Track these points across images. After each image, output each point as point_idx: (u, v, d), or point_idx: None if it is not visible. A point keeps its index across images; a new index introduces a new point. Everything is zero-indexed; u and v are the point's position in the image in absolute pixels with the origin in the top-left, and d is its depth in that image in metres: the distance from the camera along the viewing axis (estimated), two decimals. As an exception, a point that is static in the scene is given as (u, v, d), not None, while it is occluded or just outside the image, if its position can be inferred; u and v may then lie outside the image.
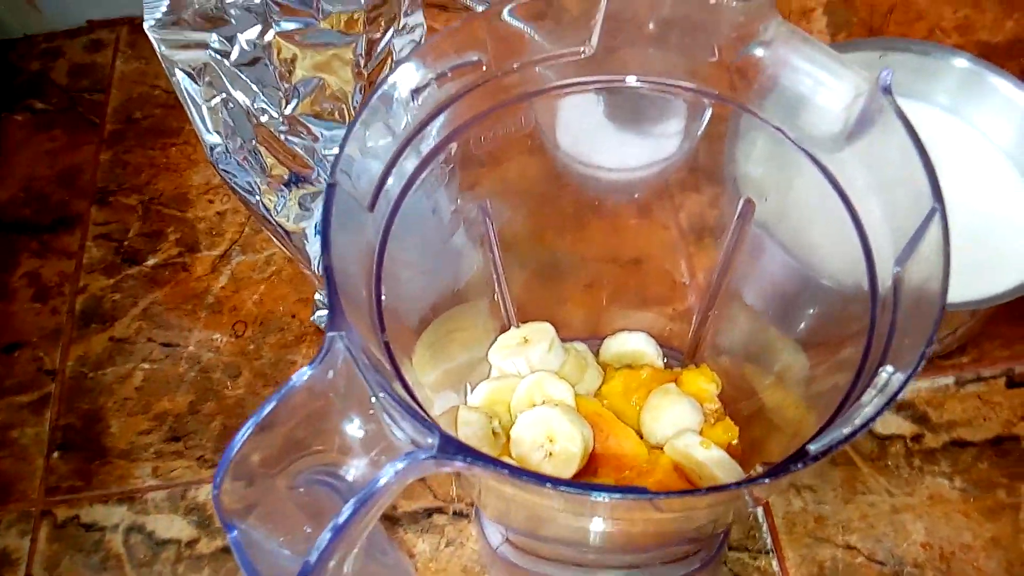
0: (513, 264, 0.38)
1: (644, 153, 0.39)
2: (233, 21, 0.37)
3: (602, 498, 0.18)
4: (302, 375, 0.20)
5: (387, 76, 0.25)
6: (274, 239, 0.43)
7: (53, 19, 0.61)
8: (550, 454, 0.31)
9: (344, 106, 0.41)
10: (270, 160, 0.40)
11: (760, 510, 0.41)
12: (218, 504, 0.21)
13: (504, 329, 0.38)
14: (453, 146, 0.28)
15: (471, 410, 0.33)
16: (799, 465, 0.18)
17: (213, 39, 0.38)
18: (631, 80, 0.29)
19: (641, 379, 0.35)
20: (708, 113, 0.33)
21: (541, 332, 0.36)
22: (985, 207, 0.41)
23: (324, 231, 0.22)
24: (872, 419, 0.19)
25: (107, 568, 0.42)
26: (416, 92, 0.26)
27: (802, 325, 0.34)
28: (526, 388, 0.33)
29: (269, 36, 0.38)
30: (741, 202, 0.32)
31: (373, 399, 0.21)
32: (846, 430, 0.18)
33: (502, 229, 0.36)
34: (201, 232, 0.52)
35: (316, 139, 0.41)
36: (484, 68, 0.27)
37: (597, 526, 0.25)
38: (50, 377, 0.48)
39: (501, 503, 0.28)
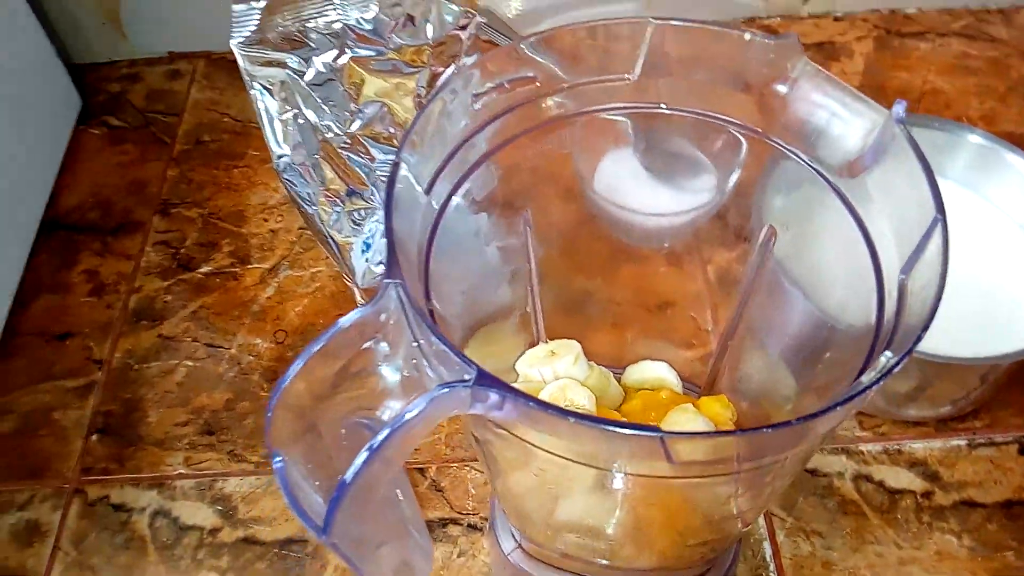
0: (544, 291, 0.41)
1: (675, 203, 0.42)
2: (312, 44, 0.41)
3: (617, 431, 0.19)
4: (355, 314, 0.22)
5: (453, 77, 0.28)
6: (324, 249, 0.46)
7: (138, 47, 0.66)
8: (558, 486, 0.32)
9: (402, 132, 0.44)
10: (330, 174, 0.44)
11: (769, 549, 0.42)
12: (268, 429, 0.23)
13: (532, 345, 0.40)
14: (502, 153, 0.31)
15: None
16: (797, 421, 0.20)
17: (292, 59, 0.42)
18: (666, 109, 0.32)
19: (660, 400, 0.37)
20: (743, 152, 0.36)
21: (568, 347, 0.38)
22: (997, 274, 0.43)
23: (387, 198, 0.24)
24: (873, 384, 0.20)
25: (130, 547, 0.44)
26: (476, 97, 0.28)
27: (815, 370, 0.36)
28: (550, 392, 0.35)
29: (343, 60, 0.41)
30: (764, 230, 0.34)
31: (416, 344, 0.23)
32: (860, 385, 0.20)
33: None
34: (253, 246, 0.55)
35: (373, 160, 0.44)
36: (537, 84, 0.30)
37: (611, 502, 0.26)
38: (97, 366, 0.50)
39: (516, 475, 0.29)
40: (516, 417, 0.21)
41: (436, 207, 0.29)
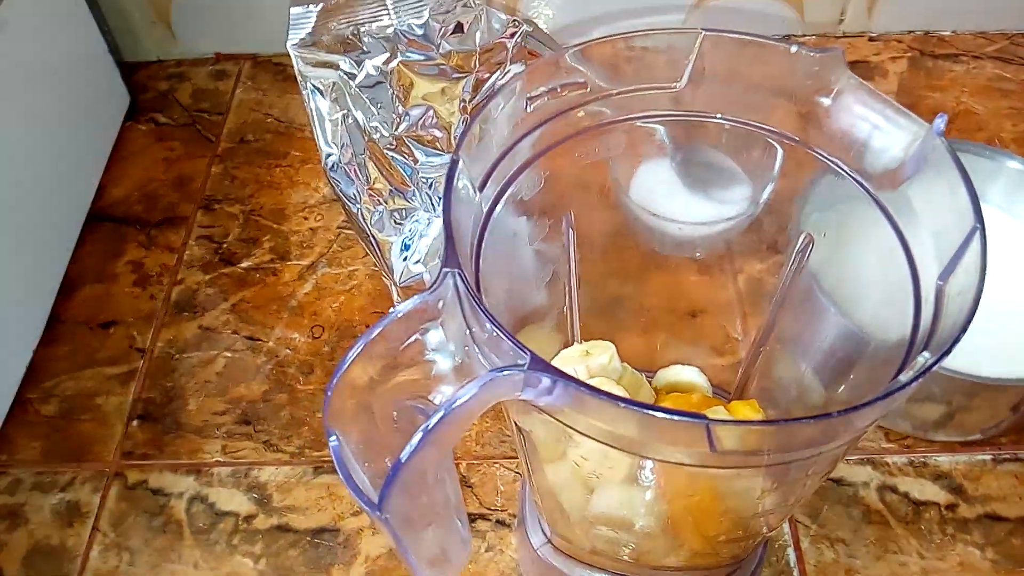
0: (579, 294, 0.42)
1: (709, 213, 0.43)
2: (365, 47, 0.43)
3: (664, 416, 0.20)
4: (412, 300, 0.24)
5: (509, 81, 0.29)
6: (365, 247, 0.48)
7: (185, 48, 0.68)
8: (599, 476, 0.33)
9: (446, 136, 0.45)
10: (374, 174, 0.45)
11: (793, 556, 0.42)
12: (326, 409, 0.24)
13: (567, 346, 0.41)
14: (548, 157, 0.32)
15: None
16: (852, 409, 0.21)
17: (344, 62, 0.43)
18: (720, 118, 0.33)
19: (692, 402, 0.38)
20: (778, 165, 0.37)
21: (602, 347, 0.39)
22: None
23: (446, 191, 0.25)
24: (911, 382, 0.21)
25: (167, 531, 0.45)
26: (531, 100, 0.30)
27: (845, 381, 0.36)
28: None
29: (393, 63, 0.43)
30: (802, 237, 0.35)
31: (469, 332, 0.24)
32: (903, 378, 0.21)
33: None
34: (293, 244, 0.56)
35: (416, 161, 0.45)
36: (587, 90, 0.31)
37: (645, 495, 0.27)
38: (139, 354, 0.52)
39: (554, 467, 0.30)
40: (565, 402, 0.22)
41: (486, 207, 0.30)
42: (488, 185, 0.29)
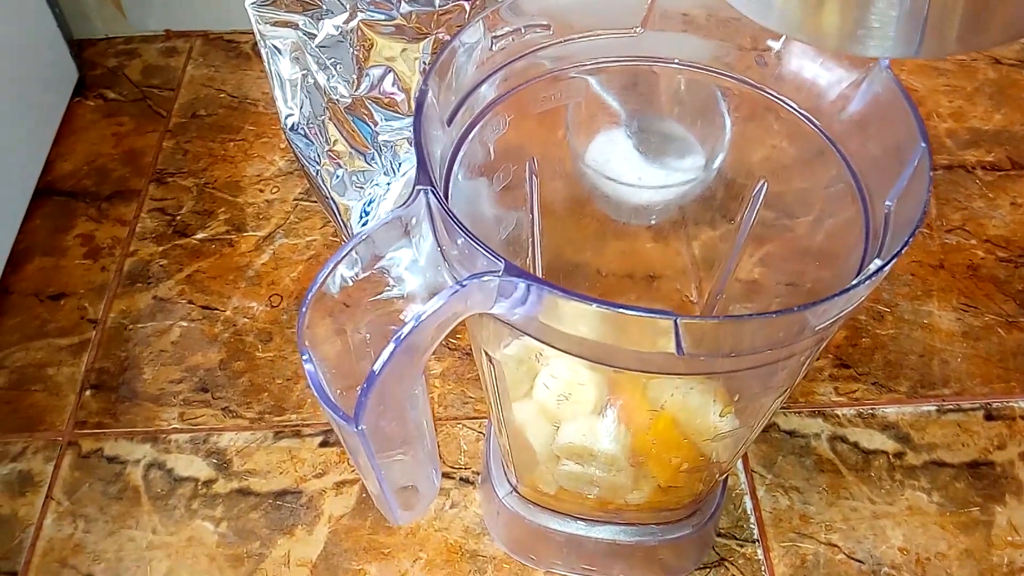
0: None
1: (664, 178, 0.44)
2: (324, 6, 0.43)
3: (635, 314, 0.21)
4: (384, 217, 0.24)
5: (476, 21, 0.29)
6: (325, 210, 0.47)
7: (135, 25, 0.67)
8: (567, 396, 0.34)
9: (406, 98, 0.46)
10: (334, 135, 0.45)
11: (749, 504, 0.43)
12: (301, 328, 0.24)
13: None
14: (513, 98, 0.33)
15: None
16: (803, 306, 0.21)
17: (303, 21, 0.43)
18: (673, 63, 0.34)
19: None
20: (728, 134, 0.38)
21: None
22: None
23: (416, 114, 0.26)
24: (862, 283, 0.22)
25: (124, 498, 0.44)
26: (496, 39, 0.30)
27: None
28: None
29: (354, 23, 0.43)
30: (758, 184, 0.36)
31: (441, 251, 0.24)
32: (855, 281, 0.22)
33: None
34: (249, 215, 0.56)
35: (376, 124, 0.46)
36: (551, 31, 0.32)
37: (610, 422, 0.27)
38: (92, 325, 0.51)
39: (520, 404, 0.31)
40: (539, 310, 0.23)
41: (454, 141, 0.30)
42: (455, 121, 0.30)
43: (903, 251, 0.23)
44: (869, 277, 0.23)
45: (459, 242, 0.24)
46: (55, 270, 0.53)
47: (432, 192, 0.24)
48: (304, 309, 0.24)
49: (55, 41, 0.61)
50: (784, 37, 0.32)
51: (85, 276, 0.53)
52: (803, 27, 0.21)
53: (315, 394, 0.24)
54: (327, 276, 0.25)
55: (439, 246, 0.25)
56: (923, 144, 0.25)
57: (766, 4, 0.21)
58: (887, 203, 0.27)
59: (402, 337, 0.23)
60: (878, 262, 0.23)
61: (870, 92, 0.29)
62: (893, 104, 0.27)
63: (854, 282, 0.22)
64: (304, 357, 0.24)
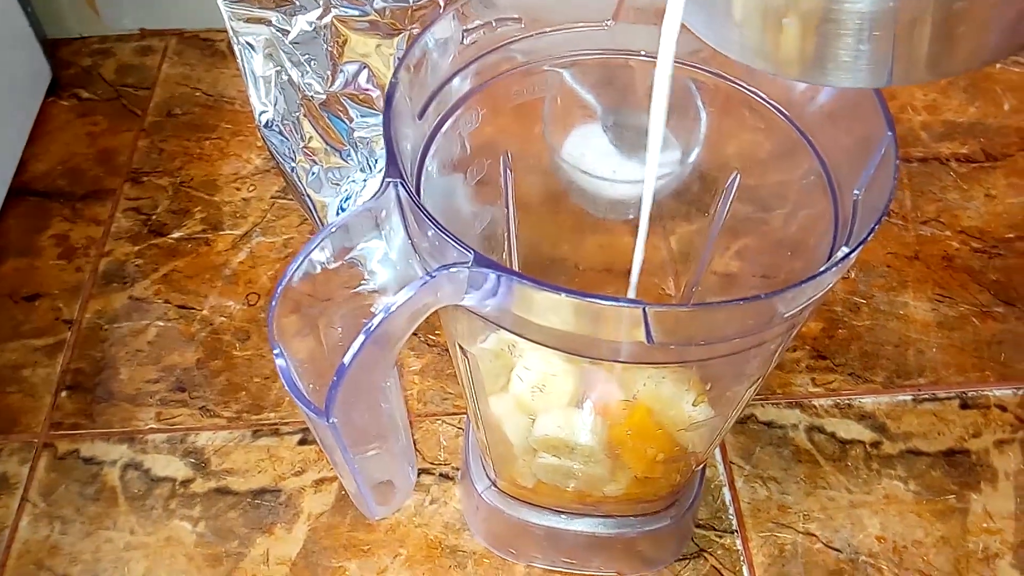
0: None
1: (639, 171, 0.44)
2: (297, 2, 0.42)
3: (603, 303, 0.21)
4: (354, 209, 0.24)
5: (446, 13, 0.29)
6: (301, 207, 0.47)
7: (110, 24, 0.66)
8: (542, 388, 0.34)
9: (381, 94, 0.46)
10: (309, 132, 0.45)
11: (728, 495, 0.44)
12: (271, 322, 0.24)
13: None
14: (486, 92, 0.33)
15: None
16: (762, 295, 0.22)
17: (276, 17, 0.43)
18: (640, 55, 0.34)
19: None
20: (703, 128, 0.38)
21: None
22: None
23: (387, 107, 0.26)
24: (829, 269, 0.23)
25: (100, 499, 0.44)
26: (467, 32, 0.30)
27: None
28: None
29: (327, 19, 0.43)
30: (731, 176, 0.36)
31: (412, 244, 0.24)
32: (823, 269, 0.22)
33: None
34: (226, 214, 0.55)
35: (351, 120, 0.45)
36: (522, 24, 0.32)
37: (585, 413, 0.27)
38: (67, 326, 0.50)
39: (497, 398, 0.31)
40: (510, 301, 0.23)
41: (426, 134, 0.30)
42: (428, 114, 0.30)
43: (868, 238, 0.23)
44: (836, 264, 0.23)
45: (429, 234, 0.24)
46: (29, 271, 0.53)
47: (402, 184, 0.24)
48: (274, 302, 0.24)
49: (28, 41, 0.60)
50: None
51: (60, 276, 0.53)
52: (764, 57, 0.21)
53: (287, 388, 0.24)
54: (298, 268, 0.24)
55: (410, 239, 0.25)
56: (889, 133, 0.26)
57: (724, 34, 0.21)
58: (855, 192, 0.27)
59: (372, 328, 0.23)
60: (845, 249, 0.23)
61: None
62: (860, 94, 0.28)
63: (821, 269, 0.22)
64: (275, 351, 0.24)
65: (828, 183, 0.29)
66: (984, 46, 0.20)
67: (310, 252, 0.24)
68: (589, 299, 0.21)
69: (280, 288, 0.24)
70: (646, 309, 0.21)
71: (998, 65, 0.63)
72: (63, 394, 0.47)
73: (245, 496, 0.44)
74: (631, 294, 0.34)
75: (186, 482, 0.44)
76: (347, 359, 0.23)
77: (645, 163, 0.45)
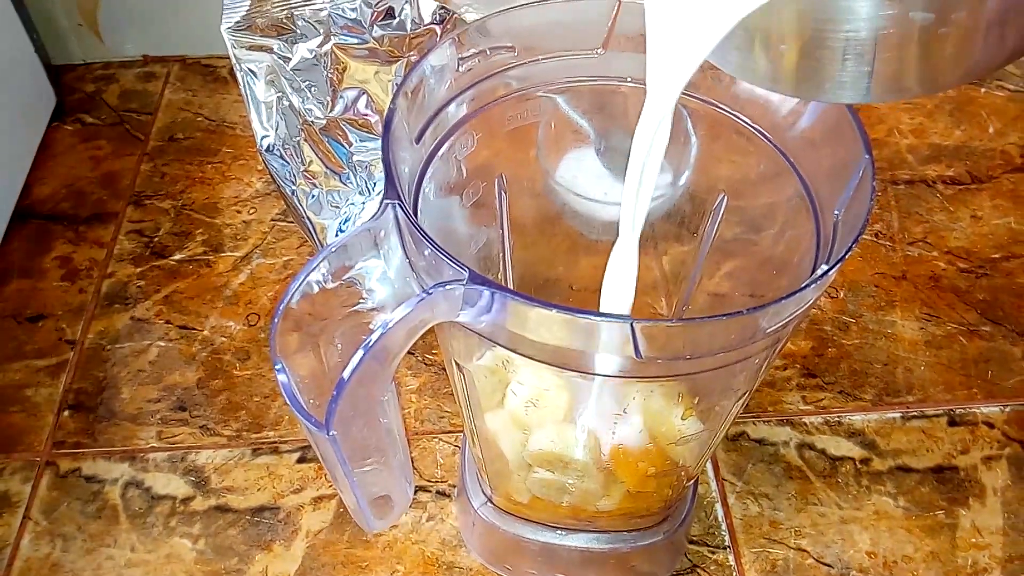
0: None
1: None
2: (298, 31, 0.44)
3: (592, 319, 0.22)
4: (353, 229, 0.25)
5: (443, 42, 0.30)
6: (301, 230, 0.48)
7: (113, 51, 0.68)
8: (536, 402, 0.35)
9: (379, 120, 0.47)
10: (310, 156, 0.46)
11: (720, 511, 0.44)
12: (273, 338, 0.25)
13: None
14: (481, 117, 0.34)
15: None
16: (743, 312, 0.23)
17: (277, 45, 0.44)
18: (627, 82, 0.35)
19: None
20: (693, 152, 0.39)
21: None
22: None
23: (385, 131, 0.27)
24: (810, 285, 0.24)
25: (102, 516, 0.44)
26: (463, 60, 0.31)
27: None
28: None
29: (327, 46, 0.44)
30: (718, 197, 0.38)
31: (409, 263, 0.25)
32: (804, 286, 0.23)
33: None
34: (226, 236, 0.56)
35: (350, 144, 0.47)
36: (515, 52, 0.33)
37: (579, 429, 0.28)
38: (69, 346, 0.51)
39: (492, 414, 0.32)
40: (504, 317, 0.24)
41: (423, 158, 0.31)
42: (425, 138, 0.31)
43: (847, 256, 0.24)
44: (815, 281, 0.24)
45: (426, 253, 0.25)
46: (33, 292, 0.54)
47: (399, 205, 0.25)
48: (276, 320, 0.25)
49: (33, 67, 0.62)
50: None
51: (63, 298, 0.53)
52: (757, 75, 0.23)
53: (288, 403, 0.25)
54: (298, 287, 0.25)
55: (407, 258, 0.26)
56: (867, 156, 0.27)
57: (725, 56, 0.23)
58: (835, 212, 0.28)
59: (371, 344, 0.24)
60: (824, 267, 0.24)
61: (818, 108, 0.30)
62: (840, 119, 0.29)
63: (802, 286, 0.23)
64: (277, 367, 0.25)
65: (811, 204, 0.30)
66: (964, 67, 0.21)
67: (311, 271, 0.25)
68: (579, 315, 0.22)
69: (282, 306, 0.25)
70: (633, 325, 0.22)
71: (983, 89, 0.65)
72: (65, 413, 0.48)
73: (244, 514, 0.44)
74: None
75: (186, 500, 0.45)
76: (346, 374, 0.24)
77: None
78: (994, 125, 0.62)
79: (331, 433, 0.24)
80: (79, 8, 0.65)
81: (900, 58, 0.21)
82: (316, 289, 0.26)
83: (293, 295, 0.25)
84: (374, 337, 0.23)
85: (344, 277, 0.26)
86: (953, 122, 0.63)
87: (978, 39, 0.20)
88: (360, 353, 0.24)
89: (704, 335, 0.24)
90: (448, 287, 0.23)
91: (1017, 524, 0.44)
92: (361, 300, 0.26)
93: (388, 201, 0.25)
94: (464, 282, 0.23)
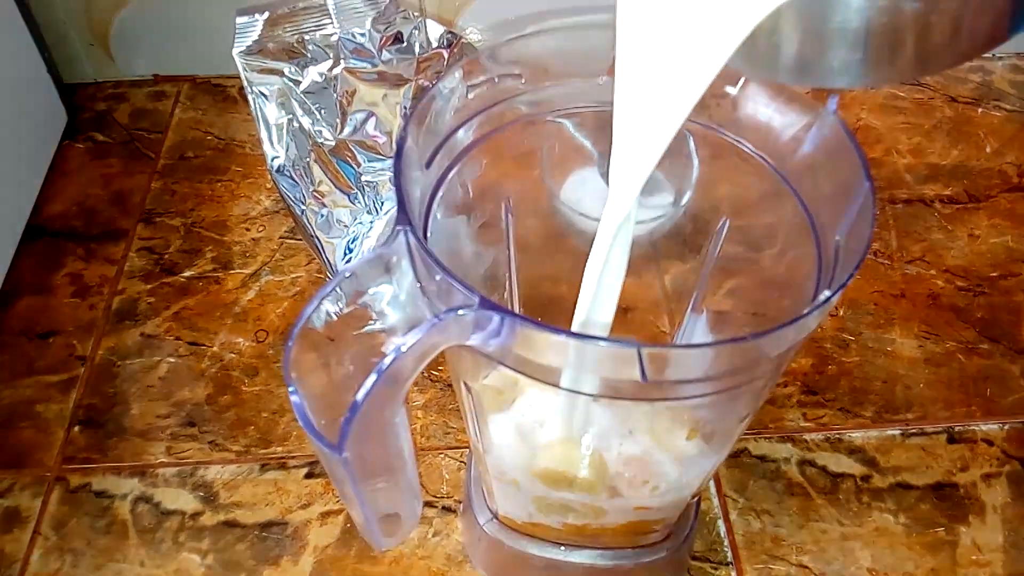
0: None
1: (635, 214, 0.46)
2: (309, 55, 0.45)
3: (600, 344, 0.23)
4: (366, 255, 0.26)
5: (453, 69, 0.31)
6: (311, 250, 0.49)
7: (124, 70, 0.69)
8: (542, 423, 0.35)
9: (388, 140, 0.48)
10: (319, 176, 0.47)
11: (723, 527, 0.45)
12: (287, 360, 0.26)
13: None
14: (489, 142, 0.35)
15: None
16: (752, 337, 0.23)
17: (288, 68, 0.45)
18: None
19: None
20: (695, 173, 0.40)
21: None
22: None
23: (396, 158, 0.28)
24: (812, 311, 0.24)
25: (111, 532, 0.45)
26: (471, 87, 0.32)
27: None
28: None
29: (337, 70, 0.45)
30: (721, 221, 0.38)
31: (421, 287, 0.26)
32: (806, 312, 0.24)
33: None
34: (236, 253, 0.57)
35: (359, 165, 0.48)
36: (523, 80, 0.34)
37: (584, 447, 0.29)
38: (80, 362, 0.52)
39: (499, 428, 0.32)
40: (512, 341, 0.25)
41: (432, 183, 0.32)
42: (434, 164, 0.32)
43: (848, 282, 0.25)
44: (818, 307, 0.24)
45: (437, 278, 0.25)
46: (44, 309, 0.54)
47: (411, 232, 0.26)
48: (290, 343, 0.26)
49: (45, 85, 0.63)
50: (740, 82, 0.34)
51: (74, 314, 0.54)
52: (760, 64, 0.23)
53: (301, 424, 0.26)
54: (312, 311, 0.26)
55: (418, 282, 0.26)
56: (867, 183, 0.27)
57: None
58: (836, 237, 0.29)
59: (383, 368, 0.24)
60: (827, 293, 0.25)
61: (820, 135, 0.31)
62: (841, 146, 0.30)
63: (804, 312, 0.24)
64: (291, 389, 0.26)
65: (812, 228, 0.31)
66: (958, 49, 0.21)
67: (325, 295, 0.26)
68: (586, 340, 0.23)
69: (296, 330, 0.26)
70: (640, 350, 0.23)
71: (980, 109, 0.66)
72: (76, 429, 0.49)
73: (253, 529, 0.45)
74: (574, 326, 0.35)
75: (195, 515, 0.45)
76: (359, 396, 0.24)
77: (639, 206, 0.47)
78: (991, 145, 0.63)
79: (344, 455, 0.24)
80: (91, 28, 0.66)
81: (893, 44, 0.21)
82: (329, 313, 0.26)
83: (308, 318, 0.26)
84: (387, 361, 0.24)
85: (357, 301, 0.26)
86: (951, 142, 0.64)
87: (969, 19, 0.20)
88: (373, 376, 0.24)
89: (708, 359, 0.25)
90: (459, 312, 0.24)
91: (1017, 541, 0.44)
92: (372, 323, 0.27)
93: (400, 228, 0.26)
94: (475, 307, 0.24)
